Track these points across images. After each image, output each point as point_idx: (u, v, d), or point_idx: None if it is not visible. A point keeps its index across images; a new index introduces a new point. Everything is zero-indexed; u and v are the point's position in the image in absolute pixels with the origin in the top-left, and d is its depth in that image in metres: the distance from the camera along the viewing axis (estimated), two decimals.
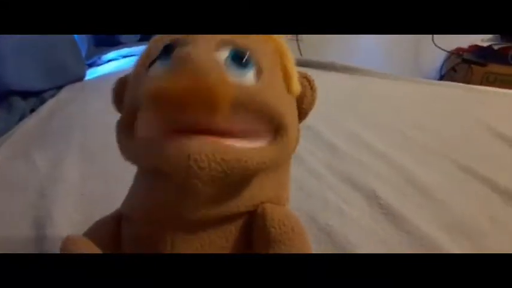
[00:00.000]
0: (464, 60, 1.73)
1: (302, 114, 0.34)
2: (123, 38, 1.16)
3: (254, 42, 0.29)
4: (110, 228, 0.32)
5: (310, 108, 0.34)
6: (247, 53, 0.27)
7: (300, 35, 1.86)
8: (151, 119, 0.27)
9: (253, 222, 0.29)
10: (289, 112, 0.30)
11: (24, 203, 0.52)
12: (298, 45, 1.86)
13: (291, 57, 0.31)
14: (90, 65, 1.08)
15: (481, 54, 1.72)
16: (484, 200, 0.53)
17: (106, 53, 1.09)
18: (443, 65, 1.89)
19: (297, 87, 0.31)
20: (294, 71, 0.31)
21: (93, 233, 0.34)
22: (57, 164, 0.60)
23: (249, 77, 0.27)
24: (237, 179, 0.26)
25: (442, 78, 1.86)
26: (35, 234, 0.47)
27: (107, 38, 1.15)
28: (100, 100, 0.81)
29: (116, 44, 1.14)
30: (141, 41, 1.18)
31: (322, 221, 0.48)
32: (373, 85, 0.95)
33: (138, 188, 0.31)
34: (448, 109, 0.83)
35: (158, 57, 0.27)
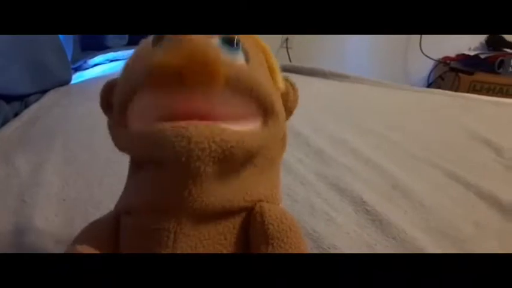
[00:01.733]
0: (452, 69, 1.76)
1: (287, 111, 0.34)
2: (110, 42, 1.15)
3: (242, 37, 0.30)
4: (107, 227, 0.32)
5: (294, 107, 0.35)
6: (237, 38, 0.28)
7: (289, 43, 1.87)
8: (147, 103, 0.27)
9: (251, 220, 0.29)
10: (278, 99, 0.31)
11: (4, 208, 0.50)
12: (288, 52, 1.87)
13: (272, 55, 0.33)
14: (76, 69, 1.07)
15: (468, 63, 1.75)
16: (468, 205, 0.53)
17: (92, 57, 1.08)
18: (431, 73, 1.92)
19: (281, 85, 0.33)
20: (279, 71, 0.33)
21: (89, 234, 0.33)
22: (39, 169, 0.58)
23: (239, 58, 0.28)
24: (235, 161, 0.27)
25: (429, 86, 1.89)
26: (15, 240, 0.46)
27: (94, 42, 1.14)
28: (85, 104, 0.80)
29: (102, 48, 1.13)
30: (128, 45, 1.18)
31: (308, 227, 0.48)
32: (361, 92, 0.95)
33: (136, 182, 0.31)
34: (434, 116, 0.83)
35: (152, 44, 0.28)
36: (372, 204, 0.52)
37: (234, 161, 0.27)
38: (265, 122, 0.29)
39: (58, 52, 0.91)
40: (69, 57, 1.00)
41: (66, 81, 0.93)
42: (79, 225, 0.47)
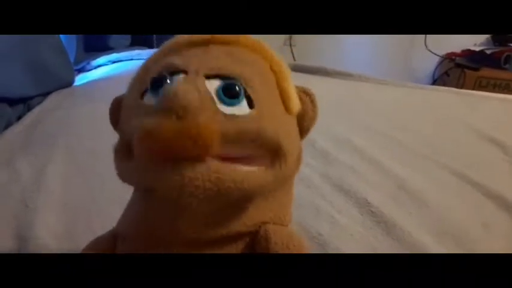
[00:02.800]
0: (457, 65, 1.74)
1: (304, 131, 0.33)
2: (113, 43, 1.15)
3: (245, 68, 0.28)
4: (105, 246, 0.32)
5: (312, 124, 0.33)
6: (238, 84, 0.26)
7: (293, 41, 1.86)
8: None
9: (255, 245, 0.28)
10: (288, 135, 0.29)
11: (5, 213, 0.50)
12: (292, 51, 1.86)
13: (287, 76, 0.31)
14: (79, 71, 1.06)
15: (474, 59, 1.73)
16: (476, 206, 0.52)
17: (95, 58, 1.08)
18: (436, 69, 1.90)
19: (296, 106, 0.30)
20: (292, 89, 0.31)
21: (89, 251, 0.33)
22: (41, 173, 0.58)
23: (241, 107, 0.26)
24: (233, 200, 0.26)
25: (435, 82, 1.87)
26: (16, 245, 0.45)
27: (96, 43, 1.14)
28: (88, 106, 0.79)
29: (105, 49, 1.13)
30: (132, 46, 1.17)
31: (313, 230, 0.47)
32: (365, 90, 0.94)
33: (133, 208, 0.31)
34: (440, 114, 0.82)
35: (149, 88, 0.27)
36: (377, 205, 0.51)
37: (231, 199, 0.26)
38: (272, 163, 0.28)
39: (60, 53, 0.90)
40: (72, 59, 1.00)
41: (69, 83, 0.93)
42: (81, 230, 0.47)
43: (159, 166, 0.25)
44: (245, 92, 0.26)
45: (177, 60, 0.28)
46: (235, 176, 0.25)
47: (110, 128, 0.33)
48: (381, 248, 0.45)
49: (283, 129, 0.29)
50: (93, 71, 1.06)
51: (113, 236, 0.32)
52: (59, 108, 0.82)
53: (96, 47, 1.14)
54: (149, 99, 0.27)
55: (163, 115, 0.24)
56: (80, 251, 0.33)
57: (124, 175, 0.29)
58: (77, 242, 0.44)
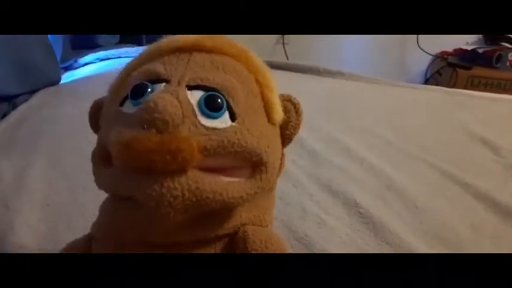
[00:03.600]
0: (449, 64, 1.74)
1: (286, 139, 0.33)
2: (101, 40, 1.13)
3: (229, 78, 0.28)
4: (82, 248, 0.32)
5: (295, 133, 0.33)
6: (221, 97, 0.26)
7: (286, 39, 1.85)
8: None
9: (235, 245, 0.28)
10: (270, 146, 0.29)
11: None
12: (285, 49, 1.85)
13: (272, 87, 0.31)
14: (66, 69, 1.05)
15: (466, 58, 1.73)
16: (465, 207, 0.52)
17: (83, 56, 1.06)
18: (428, 68, 1.90)
19: (279, 116, 0.31)
20: (276, 100, 0.31)
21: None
22: (23, 173, 0.57)
23: (223, 119, 0.26)
24: (211, 210, 0.26)
25: (427, 81, 1.87)
26: None
27: (84, 41, 1.12)
28: (74, 105, 0.78)
29: (93, 47, 1.11)
30: (120, 43, 1.15)
31: (300, 231, 0.46)
32: (356, 89, 0.93)
33: (107, 211, 0.31)
34: (431, 114, 0.82)
35: (129, 97, 0.27)
36: (365, 206, 0.50)
37: (209, 209, 0.26)
38: (252, 174, 0.28)
39: (46, 51, 0.88)
40: (59, 56, 0.98)
41: (56, 81, 0.91)
42: (62, 231, 0.46)
43: (137, 176, 0.24)
44: (227, 103, 0.26)
45: (159, 68, 0.28)
46: (215, 187, 0.25)
47: None
48: (368, 250, 0.44)
49: (265, 141, 0.28)
50: (81, 68, 1.04)
51: (88, 239, 0.32)
52: (44, 107, 0.81)
53: (83, 45, 1.12)
54: (129, 108, 0.27)
55: (142, 127, 0.23)
56: (59, 251, 0.33)
57: (101, 182, 0.29)
58: (57, 242, 0.43)
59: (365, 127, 0.73)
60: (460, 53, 1.78)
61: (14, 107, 0.82)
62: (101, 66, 1.03)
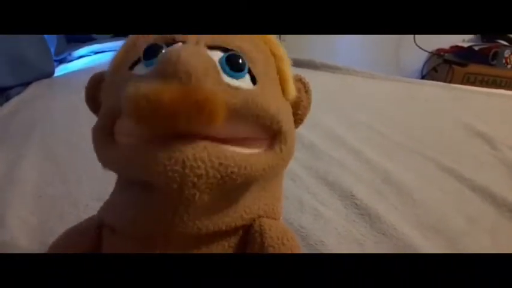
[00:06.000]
0: (445, 61, 1.74)
1: (297, 120, 0.31)
2: (96, 34, 1.12)
3: (248, 44, 0.26)
4: (88, 238, 0.29)
5: (306, 114, 0.32)
6: (242, 57, 0.25)
7: (283, 36, 1.84)
8: (135, 126, 0.24)
9: (250, 239, 0.27)
10: (287, 117, 0.28)
11: None
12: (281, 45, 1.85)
13: (287, 60, 0.29)
14: (61, 61, 1.04)
15: (462, 55, 1.73)
16: (461, 199, 0.52)
17: (77, 49, 1.05)
18: (424, 65, 1.90)
19: (292, 91, 0.29)
20: (290, 74, 0.29)
21: (68, 241, 0.30)
22: (16, 165, 0.56)
23: (244, 81, 0.25)
24: (235, 186, 0.24)
25: (423, 78, 1.87)
26: None
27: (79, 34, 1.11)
28: (68, 97, 0.77)
29: (87, 40, 1.10)
30: (115, 36, 1.14)
31: (296, 223, 0.46)
32: (353, 83, 0.93)
33: (123, 198, 0.28)
34: (427, 108, 0.82)
35: (142, 58, 0.25)
36: (362, 198, 0.50)
37: (234, 185, 0.24)
38: (271, 145, 0.26)
39: (39, 43, 0.87)
40: (53, 49, 0.97)
41: (49, 74, 0.90)
42: (54, 223, 0.45)
43: (153, 155, 0.22)
44: (248, 67, 0.25)
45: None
46: (238, 160, 0.23)
47: (89, 119, 0.30)
48: (364, 242, 0.44)
49: (283, 112, 0.27)
50: (75, 61, 1.04)
51: (97, 225, 0.29)
52: (38, 99, 0.80)
53: (78, 38, 1.11)
54: (141, 70, 0.24)
55: (164, 80, 0.21)
56: (50, 243, 0.31)
57: (107, 161, 0.26)
58: (49, 234, 0.42)
59: (362, 121, 0.73)
60: (456, 50, 1.78)
61: (7, 99, 0.81)
62: (95, 59, 1.02)
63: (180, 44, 0.25)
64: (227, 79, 0.23)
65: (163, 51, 0.24)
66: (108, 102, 0.27)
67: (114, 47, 1.04)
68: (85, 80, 0.31)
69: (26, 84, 0.86)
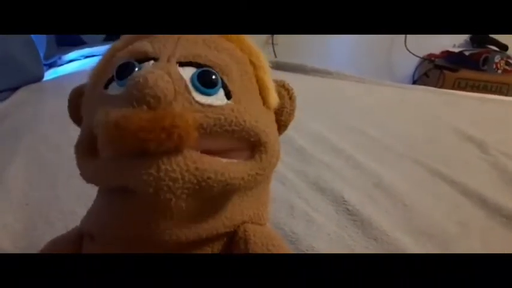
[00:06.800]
0: (436, 66, 1.76)
1: (281, 127, 0.31)
2: (87, 37, 1.11)
3: (223, 56, 0.26)
4: (70, 246, 0.29)
5: (290, 120, 0.32)
6: (215, 73, 0.24)
7: (275, 39, 1.85)
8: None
9: (234, 245, 0.26)
10: (268, 127, 0.27)
11: None
12: (274, 48, 1.85)
13: (266, 69, 0.29)
14: (51, 65, 1.02)
15: (453, 60, 1.75)
16: (452, 204, 0.52)
17: (67, 53, 1.04)
18: (415, 70, 1.92)
19: (274, 99, 0.29)
20: (271, 83, 0.29)
21: (50, 251, 0.30)
22: (2, 171, 0.55)
23: (218, 97, 0.24)
24: (213, 194, 0.24)
25: (414, 83, 1.88)
26: None
27: (69, 38, 1.09)
28: (57, 102, 0.76)
29: (78, 44, 1.09)
30: (106, 41, 1.13)
31: (287, 228, 0.45)
32: (343, 88, 0.93)
33: (102, 205, 0.28)
34: (418, 112, 0.82)
35: (115, 77, 0.25)
36: (353, 203, 0.50)
37: (211, 192, 0.23)
38: (251, 155, 0.26)
39: (28, 47, 0.86)
40: (43, 53, 0.96)
41: (38, 78, 0.89)
42: (41, 231, 0.44)
43: (129, 162, 0.22)
44: (222, 81, 0.24)
45: (146, 46, 0.25)
46: (215, 166, 0.23)
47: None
48: (356, 247, 0.43)
49: (263, 121, 0.27)
50: (65, 65, 1.02)
51: (78, 235, 0.29)
52: (27, 103, 0.79)
53: (68, 42, 1.10)
54: (115, 89, 0.25)
55: (132, 105, 0.21)
56: (37, 251, 0.31)
57: (88, 175, 0.26)
58: (35, 242, 0.41)
59: (352, 125, 0.73)
60: (447, 55, 1.80)
61: None
62: (86, 63, 1.01)
63: (151, 62, 0.25)
64: (199, 97, 0.23)
65: (136, 69, 0.24)
66: (87, 119, 0.27)
67: (105, 50, 1.04)
68: (75, 85, 0.31)
69: (15, 88, 0.85)
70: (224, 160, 0.24)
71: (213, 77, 0.24)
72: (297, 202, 0.50)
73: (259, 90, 0.28)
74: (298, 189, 0.53)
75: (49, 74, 0.96)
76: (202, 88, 0.23)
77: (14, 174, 0.54)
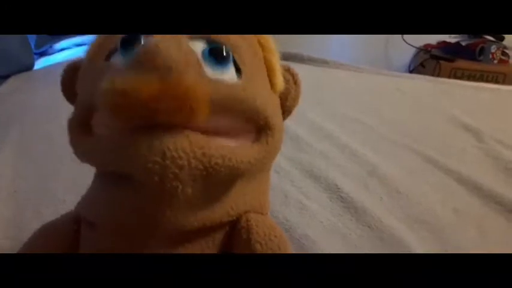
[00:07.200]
0: (433, 56, 1.75)
1: (286, 112, 0.30)
2: None
3: (233, 35, 0.25)
4: (65, 233, 0.28)
5: (294, 105, 0.31)
6: (226, 48, 0.23)
7: None
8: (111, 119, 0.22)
9: (236, 235, 0.26)
10: (274, 110, 0.27)
11: None
12: None
13: (275, 51, 0.28)
14: (41, 54, 1.01)
15: (449, 50, 1.74)
16: (447, 191, 0.51)
17: (58, 42, 1.03)
18: (411, 60, 1.91)
19: (280, 83, 0.28)
20: (278, 66, 0.28)
21: (43, 238, 0.29)
22: None
23: (229, 73, 0.23)
24: (220, 179, 0.23)
25: (411, 73, 1.87)
26: None
27: None
28: (47, 91, 0.75)
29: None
30: None
31: (281, 216, 0.45)
32: (340, 77, 0.92)
33: (101, 191, 0.26)
34: (413, 101, 0.81)
35: (119, 47, 0.23)
36: (347, 191, 0.49)
37: (218, 178, 0.23)
38: (258, 138, 0.25)
39: (18, 35, 0.85)
40: (33, 41, 0.94)
41: (29, 67, 0.88)
42: (29, 219, 0.44)
43: (128, 143, 0.21)
44: (232, 58, 0.24)
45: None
46: (222, 151, 0.22)
47: (70, 113, 0.28)
48: (350, 234, 0.43)
49: (270, 104, 0.26)
50: (56, 54, 1.01)
51: (74, 220, 0.28)
52: (17, 92, 0.78)
53: None
54: (118, 60, 0.23)
55: (142, 72, 0.19)
56: (26, 238, 0.29)
57: (83, 153, 0.25)
58: (24, 229, 0.41)
59: (348, 114, 0.72)
60: (443, 45, 1.79)
61: None
62: (77, 51, 0.99)
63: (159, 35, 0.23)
64: (210, 72, 0.22)
65: (142, 41, 0.23)
66: (84, 93, 0.26)
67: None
68: None
69: (5, 77, 0.83)
70: (231, 144, 0.23)
71: (224, 52, 0.23)
72: (291, 190, 0.50)
73: (267, 72, 0.27)
74: (292, 177, 0.53)
75: (40, 63, 0.94)
76: (213, 63, 0.22)
77: (3, 164, 0.53)
